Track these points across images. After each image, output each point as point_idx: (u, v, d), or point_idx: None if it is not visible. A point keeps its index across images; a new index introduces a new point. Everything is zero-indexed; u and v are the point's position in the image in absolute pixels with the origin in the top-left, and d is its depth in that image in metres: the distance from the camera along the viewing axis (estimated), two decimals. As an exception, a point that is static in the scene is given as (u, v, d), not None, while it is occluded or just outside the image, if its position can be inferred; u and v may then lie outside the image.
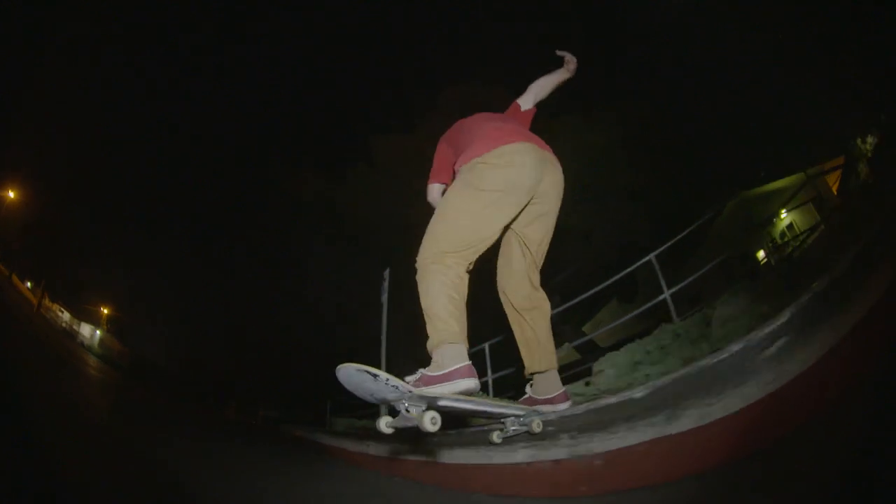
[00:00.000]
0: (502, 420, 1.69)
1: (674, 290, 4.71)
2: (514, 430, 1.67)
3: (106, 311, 21.25)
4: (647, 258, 5.15)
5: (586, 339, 6.92)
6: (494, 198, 1.59)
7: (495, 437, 1.72)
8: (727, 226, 8.84)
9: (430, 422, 1.29)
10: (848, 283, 1.48)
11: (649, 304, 4.80)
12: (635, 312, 4.62)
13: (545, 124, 2.20)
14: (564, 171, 1.83)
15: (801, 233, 7.55)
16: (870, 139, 5.31)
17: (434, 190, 2.04)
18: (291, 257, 13.69)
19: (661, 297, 4.77)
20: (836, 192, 7.94)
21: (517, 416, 1.65)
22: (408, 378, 1.43)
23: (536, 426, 1.60)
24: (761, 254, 7.20)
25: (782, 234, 8.57)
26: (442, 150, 2.03)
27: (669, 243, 5.25)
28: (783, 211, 8.08)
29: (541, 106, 2.20)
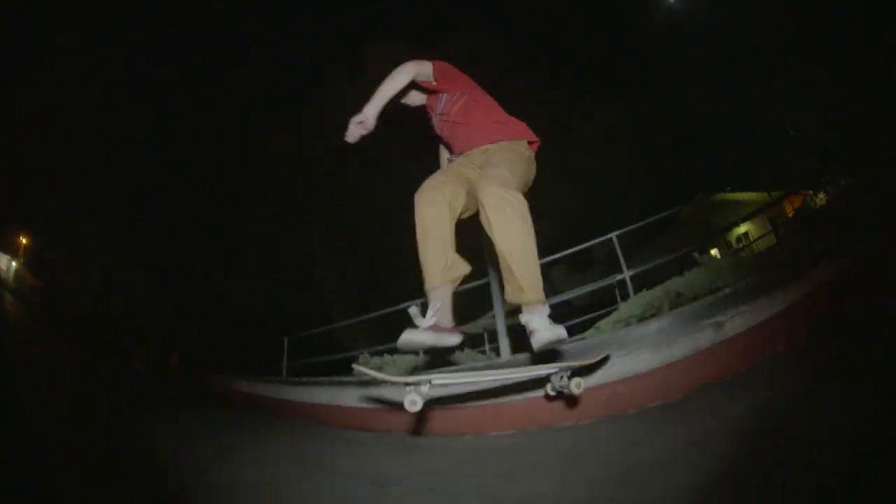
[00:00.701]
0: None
1: (633, 271, 4.58)
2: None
3: (25, 241, 19.09)
4: (608, 235, 4.99)
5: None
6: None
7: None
8: (690, 223, 9.15)
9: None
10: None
11: (607, 281, 4.65)
12: (591, 286, 4.43)
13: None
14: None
15: (754, 240, 8.07)
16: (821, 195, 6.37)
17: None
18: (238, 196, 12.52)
19: (619, 276, 4.68)
20: (790, 216, 8.58)
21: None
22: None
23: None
24: (714, 251, 7.50)
25: (738, 239, 9.08)
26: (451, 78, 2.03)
27: (632, 227, 5.13)
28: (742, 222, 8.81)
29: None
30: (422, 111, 2.21)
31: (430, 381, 1.59)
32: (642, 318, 3.04)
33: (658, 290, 3.25)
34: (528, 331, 1.60)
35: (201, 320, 13.55)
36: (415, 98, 2.14)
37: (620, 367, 2.09)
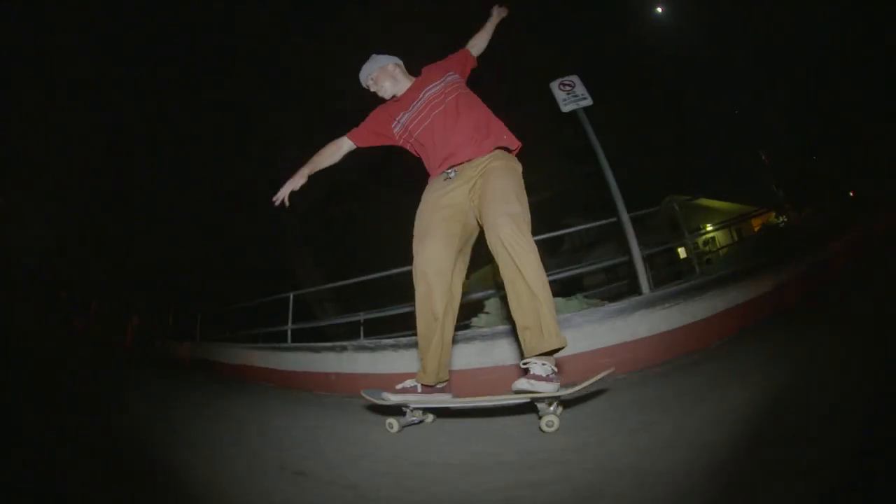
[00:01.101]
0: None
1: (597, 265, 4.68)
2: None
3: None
4: (581, 227, 5.05)
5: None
6: None
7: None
8: (661, 222, 9.47)
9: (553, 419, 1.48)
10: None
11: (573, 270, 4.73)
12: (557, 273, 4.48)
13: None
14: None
15: (720, 248, 8.56)
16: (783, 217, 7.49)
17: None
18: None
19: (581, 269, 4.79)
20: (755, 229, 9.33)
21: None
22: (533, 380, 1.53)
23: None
24: (681, 251, 7.91)
25: (705, 243, 9.53)
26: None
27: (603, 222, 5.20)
28: (709, 226, 9.46)
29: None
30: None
31: (409, 409, 1.80)
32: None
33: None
34: (533, 374, 1.55)
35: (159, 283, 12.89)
36: (390, 88, 2.12)
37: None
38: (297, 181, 2.02)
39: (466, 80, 2.09)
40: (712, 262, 6.43)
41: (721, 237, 10.28)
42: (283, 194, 2.01)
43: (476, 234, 1.91)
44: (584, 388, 1.50)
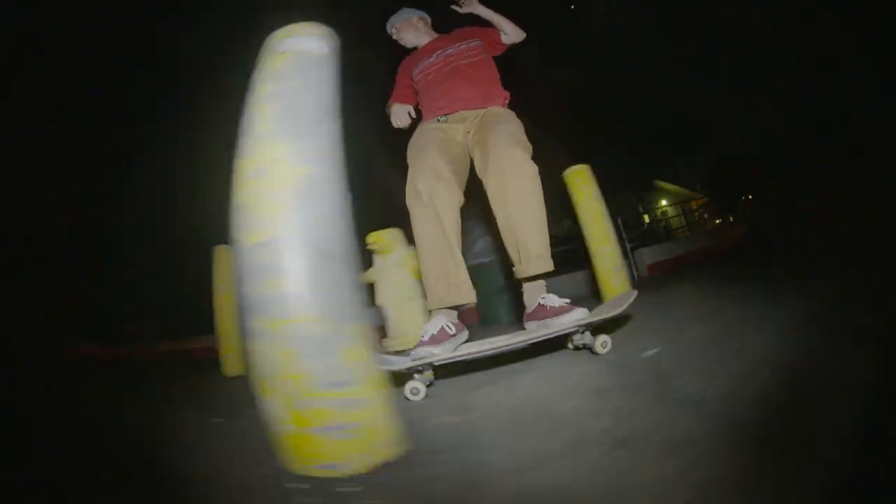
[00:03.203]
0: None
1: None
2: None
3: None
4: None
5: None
6: None
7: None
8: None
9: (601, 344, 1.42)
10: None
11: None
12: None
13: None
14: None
15: (670, 217, 13.69)
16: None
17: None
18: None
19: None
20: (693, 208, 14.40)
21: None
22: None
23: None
24: (646, 218, 12.69)
25: (662, 213, 14.67)
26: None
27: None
28: (663, 202, 14.64)
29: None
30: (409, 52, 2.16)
31: (432, 365, 1.42)
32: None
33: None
34: (541, 306, 1.53)
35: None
36: (411, 39, 2.14)
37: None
38: (405, 108, 1.98)
39: (494, 56, 2.02)
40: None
41: (671, 211, 15.47)
42: (403, 120, 1.95)
43: (468, 164, 1.81)
44: (623, 310, 1.44)
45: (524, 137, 1.71)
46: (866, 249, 2.76)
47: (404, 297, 2.65)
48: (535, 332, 1.47)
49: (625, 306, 1.46)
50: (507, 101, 1.92)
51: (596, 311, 1.57)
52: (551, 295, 1.55)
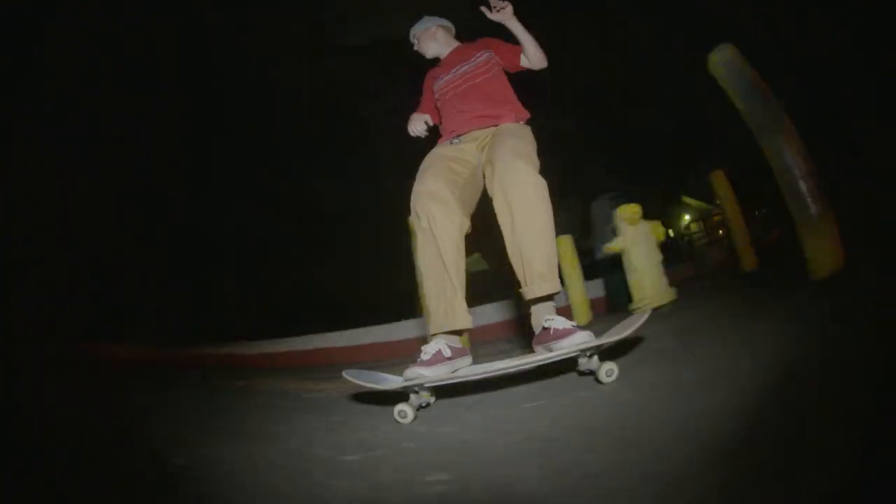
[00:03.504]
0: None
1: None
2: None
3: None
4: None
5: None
6: None
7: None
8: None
9: (606, 374, 1.34)
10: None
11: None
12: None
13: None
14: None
15: (694, 232, 13.59)
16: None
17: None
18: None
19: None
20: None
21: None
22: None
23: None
24: (671, 232, 12.69)
25: (685, 227, 14.73)
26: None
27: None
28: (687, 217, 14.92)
29: None
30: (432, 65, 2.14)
31: (421, 387, 1.41)
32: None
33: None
34: (546, 329, 1.44)
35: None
36: (432, 50, 2.10)
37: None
38: (423, 117, 1.93)
39: (508, 71, 1.98)
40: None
41: (693, 225, 15.58)
42: (420, 129, 1.91)
43: (480, 192, 1.80)
44: (631, 333, 1.37)
45: (532, 151, 1.67)
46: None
47: (653, 262, 3.06)
48: (529, 357, 1.43)
49: (631, 330, 1.37)
50: (523, 118, 1.86)
51: (605, 334, 1.47)
52: (558, 317, 1.45)
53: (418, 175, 1.73)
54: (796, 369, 1.11)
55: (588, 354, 1.42)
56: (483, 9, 1.84)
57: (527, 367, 1.42)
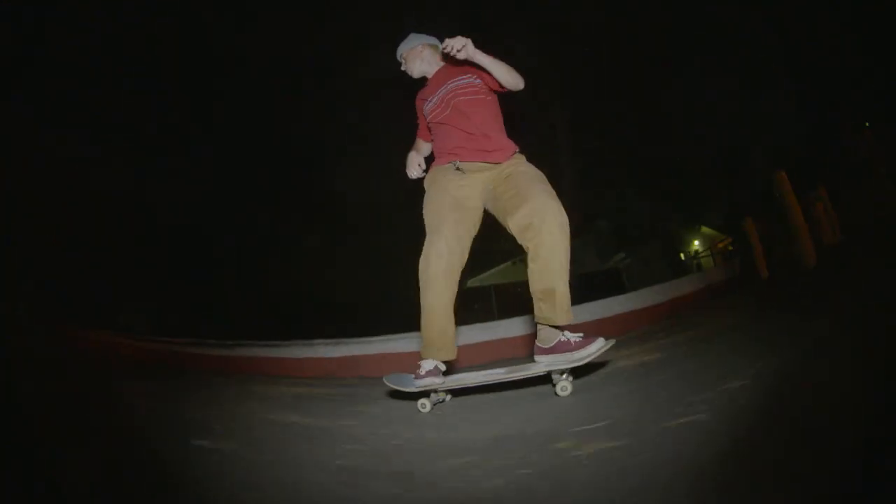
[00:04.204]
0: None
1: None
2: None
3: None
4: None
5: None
6: None
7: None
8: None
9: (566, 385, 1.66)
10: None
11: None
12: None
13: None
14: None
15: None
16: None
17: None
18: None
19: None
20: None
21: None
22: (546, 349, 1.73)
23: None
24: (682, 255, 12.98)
25: (695, 252, 15.07)
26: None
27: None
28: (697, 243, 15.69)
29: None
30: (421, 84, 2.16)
31: (436, 390, 1.84)
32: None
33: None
34: (564, 341, 1.69)
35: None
36: (418, 69, 2.13)
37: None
38: (417, 159, 2.06)
39: (491, 89, 1.99)
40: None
41: (702, 249, 16.55)
42: (416, 170, 2.04)
43: (478, 227, 1.95)
44: (596, 353, 1.64)
45: (547, 183, 1.83)
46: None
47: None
48: (530, 368, 1.77)
49: (598, 351, 1.66)
50: (512, 146, 1.96)
51: (571, 355, 1.69)
52: (571, 333, 1.72)
53: (430, 213, 1.93)
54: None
55: (560, 373, 1.72)
56: (446, 51, 1.86)
57: (524, 376, 1.77)
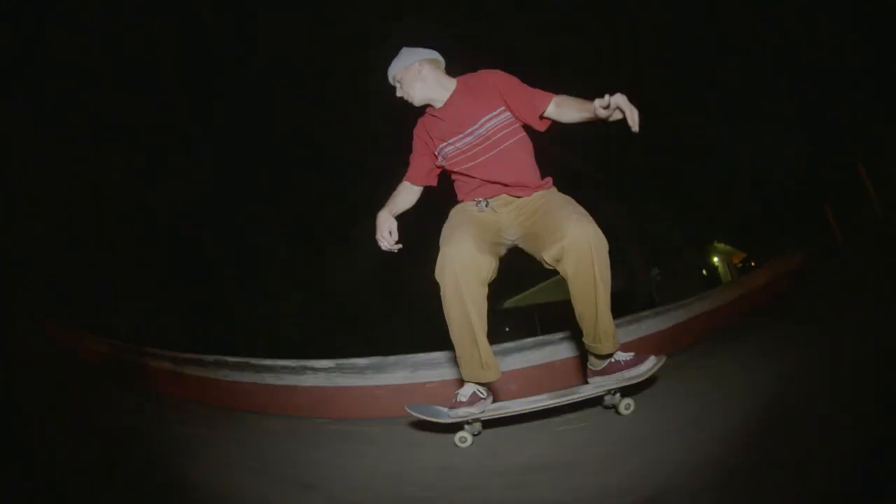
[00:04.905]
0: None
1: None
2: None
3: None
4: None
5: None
6: None
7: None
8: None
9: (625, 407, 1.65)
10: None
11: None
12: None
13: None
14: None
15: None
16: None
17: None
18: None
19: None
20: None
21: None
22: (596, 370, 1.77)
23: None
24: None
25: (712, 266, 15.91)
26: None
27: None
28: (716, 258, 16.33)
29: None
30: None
31: (478, 420, 1.67)
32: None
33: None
34: (616, 362, 1.68)
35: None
36: (420, 94, 1.78)
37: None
38: (387, 223, 1.77)
39: (523, 124, 1.80)
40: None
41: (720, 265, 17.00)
42: (386, 240, 1.77)
43: (504, 253, 1.83)
44: (647, 373, 1.61)
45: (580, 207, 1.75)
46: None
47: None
48: (561, 395, 1.77)
49: (650, 370, 1.65)
50: (542, 182, 1.82)
51: (620, 375, 1.70)
52: (623, 353, 1.72)
53: (448, 231, 1.74)
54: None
55: (612, 392, 1.71)
56: (601, 117, 1.55)
57: (573, 400, 1.74)
